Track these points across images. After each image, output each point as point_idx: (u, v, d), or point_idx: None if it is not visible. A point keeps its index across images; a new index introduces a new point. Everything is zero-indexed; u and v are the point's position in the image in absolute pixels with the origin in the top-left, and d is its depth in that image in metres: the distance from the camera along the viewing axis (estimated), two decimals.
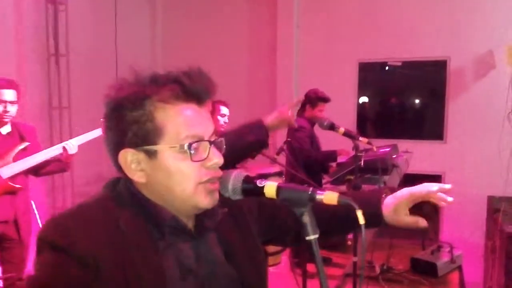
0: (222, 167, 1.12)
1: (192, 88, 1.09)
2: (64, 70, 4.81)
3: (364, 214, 1.01)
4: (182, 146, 1.06)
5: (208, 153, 1.08)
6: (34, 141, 3.32)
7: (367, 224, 1.03)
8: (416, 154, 4.08)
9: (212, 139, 1.10)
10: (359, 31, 5.54)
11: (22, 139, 3.29)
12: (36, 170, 3.29)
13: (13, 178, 3.16)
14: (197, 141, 1.07)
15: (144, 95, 1.07)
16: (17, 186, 3.21)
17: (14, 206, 3.21)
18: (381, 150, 3.02)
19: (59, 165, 3.35)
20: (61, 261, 1.01)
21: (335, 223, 1.30)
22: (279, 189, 1.08)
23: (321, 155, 4.04)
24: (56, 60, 4.76)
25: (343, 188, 2.90)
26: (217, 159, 1.10)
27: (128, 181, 1.11)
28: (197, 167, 1.08)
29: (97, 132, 3.42)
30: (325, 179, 3.71)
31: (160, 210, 1.10)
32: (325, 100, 4.15)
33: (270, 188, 1.09)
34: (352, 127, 5.44)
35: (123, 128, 1.07)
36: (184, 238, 1.12)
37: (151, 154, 1.07)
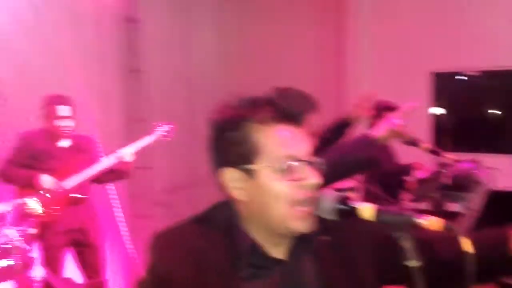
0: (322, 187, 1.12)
1: (288, 110, 1.12)
2: (142, 85, 5.03)
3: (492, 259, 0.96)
4: (278, 166, 1.08)
5: (305, 174, 1.09)
6: (94, 152, 3.49)
7: (498, 271, 0.95)
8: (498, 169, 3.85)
9: (310, 160, 1.11)
10: (432, 40, 5.36)
11: (81, 151, 3.46)
12: (97, 179, 3.46)
13: (76, 188, 3.34)
14: (293, 161, 1.08)
15: (243, 117, 1.12)
16: (79, 196, 3.39)
17: (80, 214, 3.38)
18: (464, 165, 2.88)
19: (117, 173, 3.50)
20: (147, 276, 1.14)
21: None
22: (377, 212, 1.06)
23: (396, 169, 3.92)
24: (135, 76, 5.00)
25: (425, 205, 2.79)
26: (314, 179, 1.10)
27: (228, 201, 1.16)
28: (293, 187, 1.09)
29: (150, 139, 3.58)
30: (404, 195, 3.59)
31: (244, 237, 1.12)
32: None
33: (367, 210, 1.07)
34: (426, 139, 5.24)
35: (224, 148, 1.15)
36: (268, 267, 1.11)
37: (249, 173, 1.11)
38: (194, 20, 5.40)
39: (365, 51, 5.59)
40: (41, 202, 3.19)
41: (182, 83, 5.27)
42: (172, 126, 3.68)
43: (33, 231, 2.75)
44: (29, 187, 3.21)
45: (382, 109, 4.01)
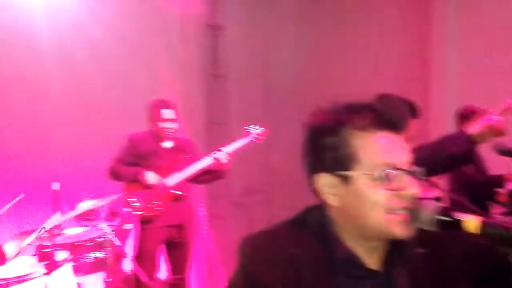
0: None
1: (388, 116, 1.09)
2: (223, 90, 5.18)
3: None
4: (376, 174, 1.06)
5: (404, 183, 1.06)
6: (193, 153, 3.64)
7: None
8: None
9: (410, 169, 1.08)
10: None
11: (182, 152, 3.63)
12: (195, 179, 3.60)
13: (177, 186, 3.50)
14: (392, 170, 1.06)
15: (340, 122, 1.10)
16: (180, 193, 3.54)
17: (179, 211, 3.54)
18: None
19: (214, 173, 3.63)
20: (239, 276, 1.14)
21: None
22: (482, 224, 1.01)
23: (487, 179, 3.69)
24: (216, 81, 5.15)
25: None
26: (413, 190, 1.07)
27: (321, 206, 1.14)
28: (391, 196, 1.06)
29: (244, 141, 3.69)
30: (495, 208, 3.38)
31: (340, 245, 1.10)
32: None
33: (472, 222, 1.03)
34: None
35: (319, 153, 1.11)
36: (362, 277, 1.10)
37: (345, 180, 1.08)
38: (274, 27, 5.48)
39: (452, 63, 5.33)
40: (145, 198, 3.39)
41: (261, 88, 5.36)
42: (264, 129, 3.76)
43: (129, 226, 2.90)
44: (135, 183, 3.42)
45: (471, 116, 3.79)
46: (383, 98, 1.06)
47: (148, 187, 3.42)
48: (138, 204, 3.38)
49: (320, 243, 1.12)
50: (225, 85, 5.21)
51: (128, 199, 3.38)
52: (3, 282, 2.59)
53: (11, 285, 2.59)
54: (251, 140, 3.72)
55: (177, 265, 3.56)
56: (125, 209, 3.30)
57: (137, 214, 3.33)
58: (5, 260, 2.82)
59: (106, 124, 4.20)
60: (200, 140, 4.51)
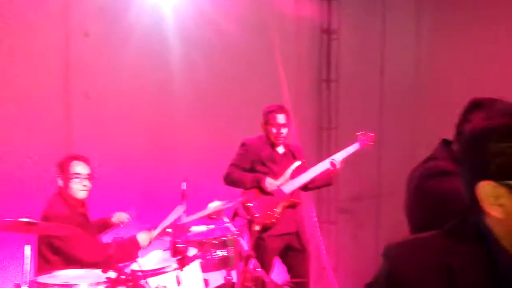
0: None
1: None
2: (334, 94, 5.16)
3: None
4: None
5: None
6: (305, 159, 3.67)
7: None
8: None
9: None
10: None
11: (294, 157, 3.66)
12: (306, 185, 3.62)
13: (291, 193, 3.54)
14: None
15: None
16: (297, 200, 3.58)
17: (295, 218, 3.58)
18: None
19: (325, 179, 3.64)
20: (384, 283, 1.08)
21: None
22: None
23: None
24: (327, 85, 5.14)
25: None
26: None
27: (479, 216, 1.07)
28: None
29: (355, 147, 3.65)
30: None
31: (505, 255, 1.04)
32: None
33: None
34: None
35: (485, 160, 1.02)
36: None
37: None
38: (388, 32, 5.35)
39: None
40: (264, 204, 3.48)
41: (373, 94, 5.26)
42: (373, 134, 3.70)
43: (257, 228, 2.99)
44: (254, 189, 3.51)
45: None
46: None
47: (267, 193, 3.48)
48: (257, 210, 3.45)
49: (480, 253, 1.06)
50: (337, 90, 5.19)
51: (247, 205, 3.45)
52: (140, 274, 2.79)
53: (147, 277, 2.78)
54: (362, 146, 3.68)
55: (298, 271, 3.60)
56: (245, 215, 3.38)
57: (256, 221, 3.36)
58: (139, 248, 3.03)
59: (226, 128, 4.37)
60: (310, 145, 4.54)
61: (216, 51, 4.44)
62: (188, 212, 3.16)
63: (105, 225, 3.23)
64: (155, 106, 4.20)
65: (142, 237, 3.02)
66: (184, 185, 3.09)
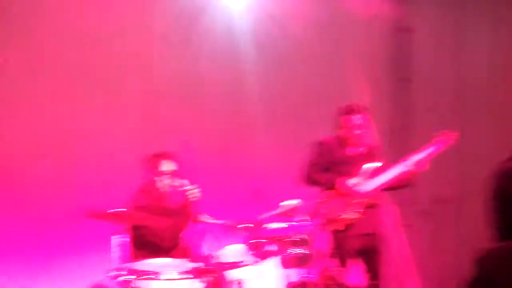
0: None
1: None
2: (409, 94, 5.02)
3: None
4: None
5: None
6: (382, 160, 3.59)
7: None
8: None
9: None
10: None
11: (371, 158, 3.58)
12: (385, 187, 3.53)
13: (371, 194, 3.47)
14: None
15: None
16: (376, 201, 3.51)
17: (374, 219, 3.52)
18: None
19: (404, 181, 3.54)
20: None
21: None
22: None
23: None
24: (403, 85, 5.01)
25: None
26: None
27: None
28: None
29: (435, 148, 3.51)
30: None
31: None
32: None
33: None
34: None
35: None
36: None
37: None
38: (467, 28, 5.14)
39: None
40: (342, 204, 3.43)
41: (451, 93, 5.07)
42: (454, 134, 3.55)
43: (337, 227, 2.97)
44: (331, 189, 3.46)
45: None
46: None
47: (345, 194, 3.44)
48: (335, 211, 3.42)
49: None
50: (412, 89, 5.05)
51: (326, 205, 3.43)
52: (222, 265, 2.89)
53: (227, 269, 2.86)
54: (442, 146, 3.53)
55: (371, 272, 3.53)
56: (323, 214, 3.37)
57: (335, 221, 3.38)
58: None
59: (298, 127, 4.39)
60: (385, 145, 4.43)
61: (286, 53, 4.48)
62: (265, 210, 3.21)
63: (187, 219, 3.34)
64: (227, 107, 4.31)
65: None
66: (258, 184, 3.15)
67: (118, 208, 2.65)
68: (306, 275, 3.27)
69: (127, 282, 2.54)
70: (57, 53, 3.63)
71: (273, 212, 3.25)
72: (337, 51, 4.71)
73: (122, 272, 2.55)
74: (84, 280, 3.56)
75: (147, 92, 3.99)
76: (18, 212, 3.39)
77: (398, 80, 5.06)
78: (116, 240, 2.60)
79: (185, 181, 3.10)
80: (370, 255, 3.51)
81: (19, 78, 3.51)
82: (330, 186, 3.47)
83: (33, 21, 3.53)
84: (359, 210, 3.44)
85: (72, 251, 3.55)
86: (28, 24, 3.52)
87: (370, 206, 3.50)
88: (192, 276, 2.66)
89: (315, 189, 3.55)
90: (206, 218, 3.23)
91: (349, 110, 3.54)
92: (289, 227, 3.34)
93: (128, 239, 2.69)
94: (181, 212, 3.14)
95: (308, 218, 3.23)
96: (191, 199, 3.08)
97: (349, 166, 3.49)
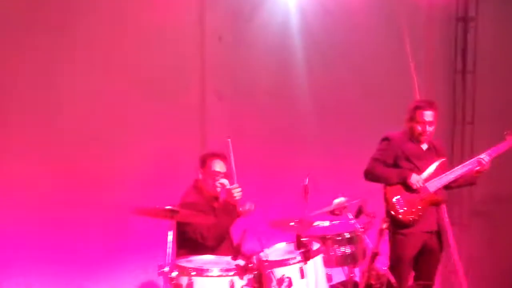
0: None
1: None
2: (470, 87, 4.79)
3: None
4: None
5: None
6: (445, 156, 3.48)
7: None
8: None
9: None
10: None
11: (437, 154, 3.50)
12: (449, 184, 3.45)
13: (435, 191, 3.40)
14: None
15: None
16: (442, 198, 3.47)
17: (437, 217, 3.46)
18: None
19: (469, 179, 3.47)
20: None
21: None
22: None
23: None
24: (463, 77, 4.79)
25: None
26: None
27: None
28: None
29: (505, 145, 3.42)
30: None
31: None
32: None
33: None
34: None
35: None
36: None
37: None
38: None
39: None
40: (407, 201, 3.37)
41: None
42: None
43: (384, 226, 2.90)
44: (398, 185, 3.39)
45: None
46: None
47: (412, 190, 3.37)
48: (402, 207, 3.37)
49: None
50: (473, 82, 4.82)
51: (392, 201, 3.38)
52: (266, 263, 2.89)
53: (272, 267, 2.87)
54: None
55: (427, 272, 3.46)
56: (389, 211, 3.34)
57: (399, 217, 3.34)
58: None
59: (362, 123, 4.32)
60: (446, 141, 4.28)
61: (342, 48, 4.41)
62: (311, 207, 3.19)
63: (234, 214, 3.39)
64: (280, 104, 4.31)
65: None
66: (306, 181, 3.13)
67: (167, 205, 2.71)
68: (353, 274, 3.23)
69: (173, 278, 2.60)
70: (116, 54, 3.72)
71: (321, 210, 3.22)
72: (395, 43, 4.55)
73: (169, 268, 2.61)
74: (134, 277, 3.72)
75: (202, 92, 4.06)
76: (71, 209, 3.52)
77: (458, 73, 4.84)
78: (171, 236, 2.66)
79: (230, 181, 3.14)
80: (428, 254, 3.44)
81: (81, 75, 3.62)
82: (395, 182, 3.40)
83: (91, 21, 3.62)
84: (424, 207, 3.36)
85: (122, 248, 3.66)
86: (88, 24, 3.61)
87: (435, 204, 3.43)
88: (237, 273, 2.69)
89: (379, 185, 3.48)
90: (252, 215, 3.26)
91: (421, 106, 3.46)
92: (337, 225, 3.32)
93: (175, 236, 2.76)
94: (227, 211, 3.17)
95: (356, 216, 3.19)
96: (237, 198, 3.11)
97: (416, 161, 3.43)
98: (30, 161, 3.45)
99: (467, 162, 3.43)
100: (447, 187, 3.49)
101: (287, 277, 2.80)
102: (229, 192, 3.13)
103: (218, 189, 3.22)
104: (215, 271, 2.68)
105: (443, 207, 3.65)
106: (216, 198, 3.27)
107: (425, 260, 3.45)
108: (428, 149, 3.50)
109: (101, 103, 3.70)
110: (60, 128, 3.56)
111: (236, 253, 2.69)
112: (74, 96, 3.62)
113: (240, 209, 3.25)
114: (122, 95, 3.76)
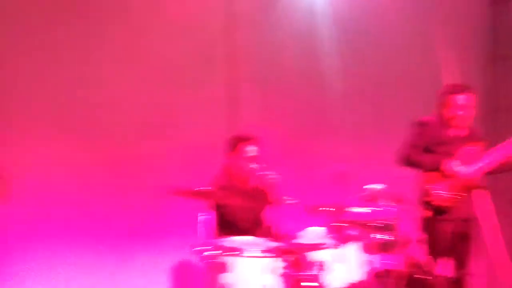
0: None
1: None
2: (507, 72, 4.66)
3: None
4: None
5: None
6: (483, 142, 3.39)
7: None
8: None
9: None
10: None
11: (473, 140, 3.41)
12: (487, 170, 3.34)
13: (473, 177, 3.31)
14: None
15: None
16: (479, 185, 3.35)
17: (474, 204, 3.36)
18: None
19: (508, 165, 3.34)
20: None
21: None
22: None
23: None
24: (502, 63, 4.70)
25: None
26: None
27: None
28: None
29: None
30: None
31: None
32: None
33: None
34: None
35: None
36: None
37: None
38: None
39: None
40: (444, 187, 3.30)
41: None
42: None
43: (422, 213, 2.85)
44: (434, 171, 3.32)
45: None
46: None
47: (449, 176, 3.28)
48: (442, 193, 3.28)
49: None
50: (509, 67, 4.67)
51: (431, 188, 3.31)
52: (304, 247, 2.86)
53: (308, 251, 2.84)
54: None
55: (461, 260, 3.37)
56: (426, 198, 3.27)
57: (436, 204, 3.26)
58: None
59: (388, 109, 4.25)
60: (482, 128, 4.15)
61: (371, 34, 4.37)
62: (349, 193, 3.15)
63: (267, 201, 3.36)
64: (309, 90, 4.28)
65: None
66: (342, 167, 3.09)
67: (203, 187, 2.70)
68: (390, 262, 3.17)
69: (212, 257, 2.60)
70: (145, 42, 3.76)
71: (357, 196, 3.17)
72: (427, 27, 4.46)
73: (208, 248, 2.61)
74: (170, 257, 3.73)
75: (230, 78, 4.04)
76: (108, 192, 3.57)
77: (493, 59, 4.71)
78: (202, 218, 2.66)
79: (264, 165, 3.12)
80: (463, 242, 3.35)
81: (112, 66, 3.66)
82: (432, 168, 3.31)
83: (120, 9, 3.67)
84: (460, 193, 3.28)
85: (159, 229, 3.69)
86: (116, 13, 3.66)
87: (472, 189, 3.34)
88: (274, 255, 2.67)
89: (414, 171, 3.40)
90: (287, 200, 3.23)
91: (454, 90, 3.37)
92: (373, 212, 3.26)
93: (212, 217, 2.76)
94: (261, 194, 3.14)
95: (393, 203, 3.12)
96: (271, 182, 3.08)
97: (452, 147, 3.33)
98: (71, 147, 3.53)
99: (505, 148, 3.30)
100: (488, 173, 3.40)
101: (323, 261, 2.78)
102: (261, 177, 3.11)
103: (251, 172, 3.18)
104: (256, 252, 2.66)
105: (485, 193, 3.54)
106: (247, 182, 3.25)
107: (463, 249, 3.37)
108: (464, 134, 3.40)
109: (133, 89, 3.72)
110: (98, 116, 3.63)
111: (274, 236, 2.67)
112: (107, 83, 3.65)
113: (279, 199, 3.22)
114: (155, 82, 3.79)
